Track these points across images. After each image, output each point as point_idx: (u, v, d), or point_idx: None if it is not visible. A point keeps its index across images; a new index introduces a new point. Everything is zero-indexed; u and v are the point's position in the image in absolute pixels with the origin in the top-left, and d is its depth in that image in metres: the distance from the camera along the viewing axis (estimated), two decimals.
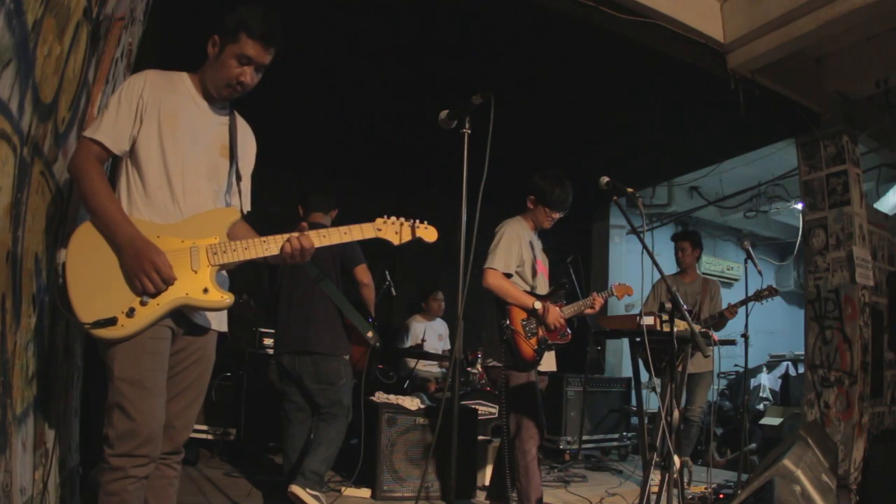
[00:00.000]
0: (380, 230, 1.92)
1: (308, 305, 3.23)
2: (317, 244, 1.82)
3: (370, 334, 3.21)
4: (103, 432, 1.60)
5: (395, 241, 1.94)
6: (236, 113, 1.98)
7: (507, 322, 2.98)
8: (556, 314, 3.04)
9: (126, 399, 1.60)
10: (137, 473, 1.60)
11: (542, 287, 3.20)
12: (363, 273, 3.31)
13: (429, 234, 1.99)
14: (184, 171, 1.78)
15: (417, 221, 1.98)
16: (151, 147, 1.75)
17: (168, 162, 1.76)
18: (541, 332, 3.04)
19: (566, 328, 3.12)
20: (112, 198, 1.68)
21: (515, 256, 3.08)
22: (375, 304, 3.50)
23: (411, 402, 3.73)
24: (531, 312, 3.02)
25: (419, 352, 5.10)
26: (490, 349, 3.16)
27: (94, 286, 1.62)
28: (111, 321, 1.58)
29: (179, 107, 1.81)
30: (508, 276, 3.07)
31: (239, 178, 1.92)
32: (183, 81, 1.86)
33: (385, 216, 1.94)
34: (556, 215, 3.23)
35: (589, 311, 3.25)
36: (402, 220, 1.96)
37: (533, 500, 2.93)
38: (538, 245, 3.29)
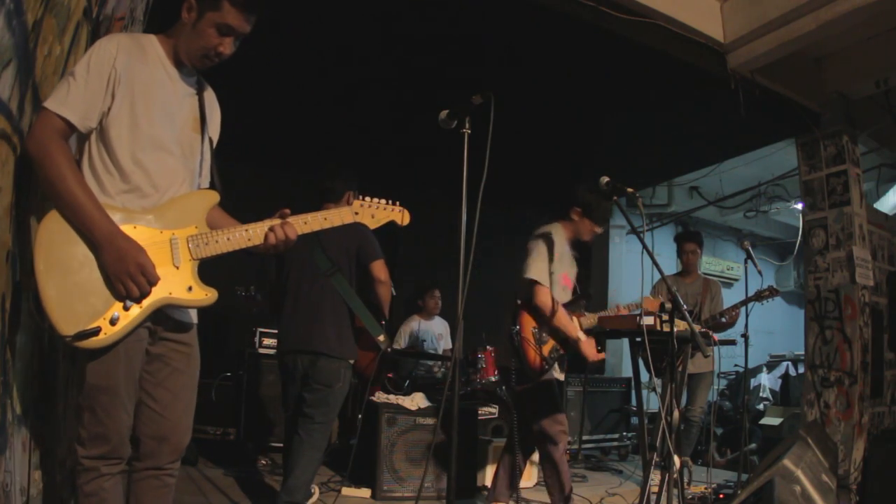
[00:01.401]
0: (357, 213, 1.84)
1: (316, 301, 2.98)
2: (299, 231, 1.73)
3: (381, 338, 2.99)
4: (77, 428, 1.57)
5: (371, 225, 1.88)
6: (201, 78, 1.81)
7: (517, 328, 2.96)
8: (592, 351, 3.02)
9: (98, 404, 1.53)
10: (111, 471, 1.57)
11: (563, 297, 3.17)
12: (380, 269, 3.06)
13: (402, 216, 1.92)
14: (159, 152, 1.62)
15: (390, 203, 1.91)
16: (123, 125, 1.56)
17: (143, 142, 1.58)
18: (553, 342, 3.02)
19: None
20: (83, 185, 1.48)
21: (547, 266, 3.07)
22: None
23: (411, 402, 3.73)
24: (572, 343, 3.00)
25: (419, 352, 5.09)
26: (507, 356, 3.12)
27: (70, 290, 1.44)
28: (94, 332, 1.44)
29: (152, 79, 1.63)
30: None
31: (212, 154, 1.79)
32: (153, 47, 1.67)
33: (361, 197, 1.88)
34: (598, 230, 3.22)
35: None
36: (378, 201, 1.88)
37: (567, 492, 2.98)
38: (570, 255, 3.24)
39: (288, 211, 1.75)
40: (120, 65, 1.56)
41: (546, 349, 3.00)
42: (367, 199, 1.87)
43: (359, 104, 4.78)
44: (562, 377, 3.26)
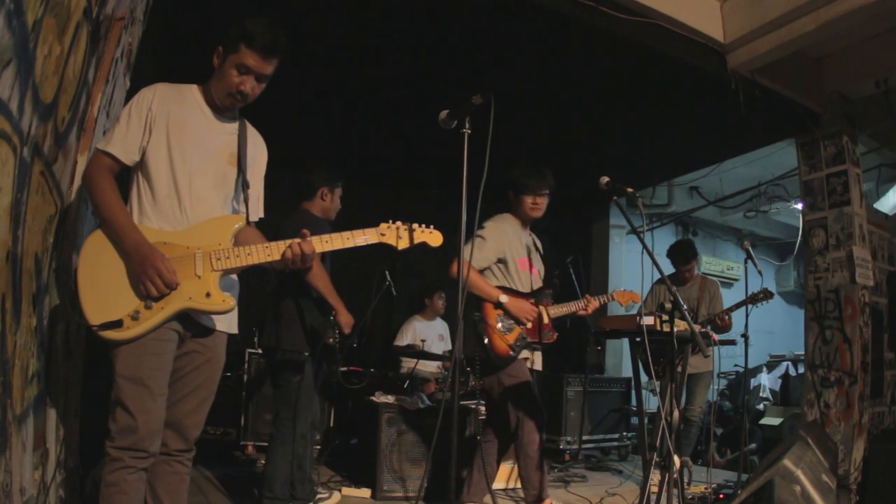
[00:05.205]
0: (383, 235, 1.96)
1: (272, 302, 3.05)
2: (318, 249, 1.87)
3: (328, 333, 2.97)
4: (108, 426, 1.68)
5: (398, 246, 1.98)
6: (247, 122, 2.03)
7: (480, 314, 2.93)
8: (526, 309, 2.96)
9: (126, 396, 1.67)
10: (135, 464, 1.67)
11: (526, 285, 3.12)
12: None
13: (433, 238, 2.02)
14: (191, 180, 1.84)
15: (422, 226, 2.01)
16: (160, 157, 1.81)
17: (176, 171, 1.82)
18: (519, 329, 2.99)
19: (551, 328, 3.07)
20: (121, 206, 1.75)
21: (489, 251, 3.01)
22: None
23: (411, 402, 3.73)
24: (497, 305, 2.95)
25: (419, 352, 5.09)
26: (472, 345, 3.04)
27: (103, 290, 1.70)
28: (117, 323, 1.67)
29: (187, 117, 1.87)
30: (482, 272, 3.01)
31: (246, 186, 1.97)
32: (192, 93, 1.92)
33: (390, 221, 1.97)
34: (540, 200, 3.13)
35: (582, 312, 3.20)
36: (406, 224, 1.99)
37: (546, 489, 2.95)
38: (528, 242, 3.21)
39: (307, 232, 1.88)
40: (155, 106, 1.83)
41: (512, 337, 2.97)
42: (398, 223, 1.97)
43: (358, 104, 4.77)
44: (540, 367, 3.19)
